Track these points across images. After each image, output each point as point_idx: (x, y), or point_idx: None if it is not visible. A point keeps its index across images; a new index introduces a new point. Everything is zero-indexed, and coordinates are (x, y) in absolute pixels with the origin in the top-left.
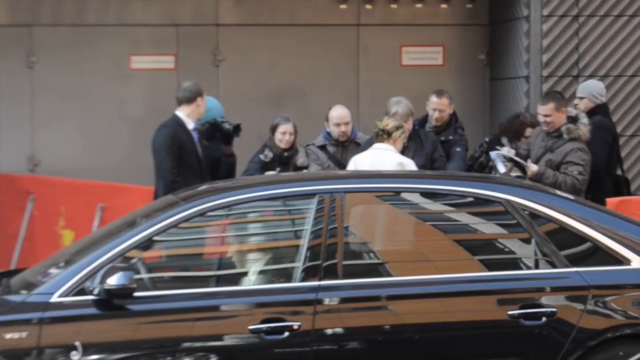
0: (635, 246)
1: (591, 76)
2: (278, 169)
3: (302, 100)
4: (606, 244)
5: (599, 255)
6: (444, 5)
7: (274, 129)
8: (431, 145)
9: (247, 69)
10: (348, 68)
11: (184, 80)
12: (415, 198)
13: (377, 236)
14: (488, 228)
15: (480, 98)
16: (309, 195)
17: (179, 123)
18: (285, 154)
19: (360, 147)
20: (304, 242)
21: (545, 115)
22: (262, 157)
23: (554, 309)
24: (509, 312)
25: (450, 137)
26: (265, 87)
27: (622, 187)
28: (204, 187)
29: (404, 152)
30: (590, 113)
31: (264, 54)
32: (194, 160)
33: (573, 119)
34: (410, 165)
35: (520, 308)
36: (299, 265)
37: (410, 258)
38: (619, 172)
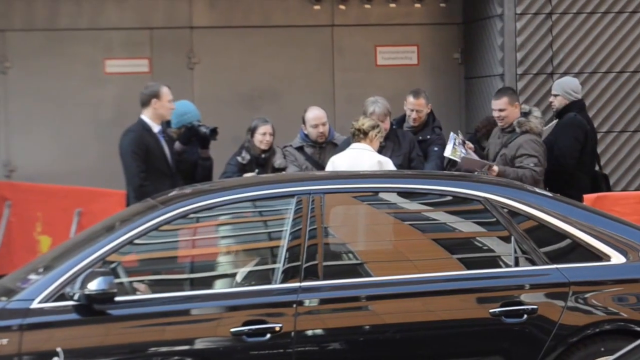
0: (614, 242)
1: (565, 73)
2: (257, 170)
3: (277, 101)
4: (585, 240)
5: (579, 252)
6: (417, 5)
7: (252, 130)
8: (408, 145)
9: (222, 71)
10: (323, 69)
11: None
12: (394, 198)
13: (357, 236)
14: (467, 226)
15: (455, 97)
16: (288, 196)
17: (144, 127)
18: (263, 155)
19: (337, 147)
20: (284, 244)
21: (500, 110)
22: (239, 159)
23: (535, 306)
24: (490, 310)
25: (428, 137)
26: (240, 89)
27: (600, 184)
28: (184, 190)
29: (381, 151)
30: (565, 110)
31: (239, 56)
32: (162, 164)
33: (526, 114)
34: (388, 163)
35: (502, 306)
36: (279, 266)
37: (391, 258)
38: (597, 168)
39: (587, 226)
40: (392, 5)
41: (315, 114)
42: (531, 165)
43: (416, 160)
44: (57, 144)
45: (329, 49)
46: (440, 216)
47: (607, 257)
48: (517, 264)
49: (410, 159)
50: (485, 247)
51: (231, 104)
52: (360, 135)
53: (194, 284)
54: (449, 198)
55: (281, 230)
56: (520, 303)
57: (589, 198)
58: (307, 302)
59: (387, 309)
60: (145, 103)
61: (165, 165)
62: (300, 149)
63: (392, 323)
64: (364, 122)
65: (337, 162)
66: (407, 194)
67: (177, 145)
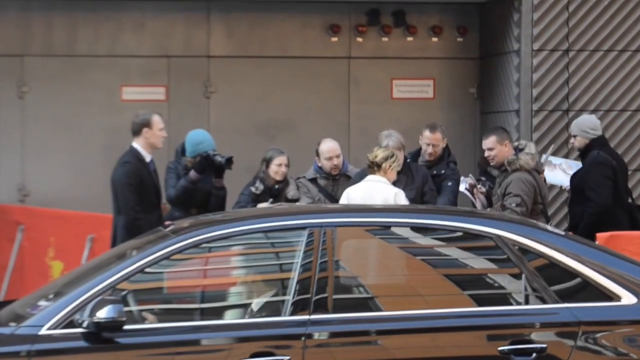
0: (626, 282)
1: (581, 110)
2: (270, 200)
3: (292, 132)
4: (596, 279)
5: (589, 291)
6: (434, 39)
7: (267, 161)
8: (422, 179)
9: (238, 100)
10: (339, 100)
11: (175, 111)
12: (406, 232)
13: (368, 270)
14: (478, 263)
15: (470, 131)
16: (300, 228)
17: (138, 157)
18: (277, 186)
19: (351, 179)
20: (294, 276)
21: (489, 149)
22: (253, 189)
23: (544, 345)
24: (499, 348)
25: (443, 171)
26: (255, 118)
27: (636, 217)
28: (194, 219)
29: (394, 185)
30: (587, 149)
31: (255, 85)
32: (153, 195)
33: (520, 150)
34: (401, 197)
35: (511, 344)
36: (289, 298)
37: (401, 293)
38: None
39: (599, 265)
40: (409, 38)
41: (329, 147)
42: (512, 205)
43: (429, 195)
44: (71, 169)
45: (345, 80)
46: (452, 252)
47: (618, 298)
48: (527, 302)
49: (423, 192)
50: (495, 284)
51: (246, 133)
52: (374, 167)
53: (204, 314)
54: (461, 234)
55: (292, 262)
56: (530, 341)
57: (602, 237)
58: (316, 335)
59: (397, 344)
60: (136, 132)
61: (155, 197)
62: (313, 180)
63: (401, 358)
64: (377, 154)
65: (352, 194)
66: (418, 229)
67: (192, 174)
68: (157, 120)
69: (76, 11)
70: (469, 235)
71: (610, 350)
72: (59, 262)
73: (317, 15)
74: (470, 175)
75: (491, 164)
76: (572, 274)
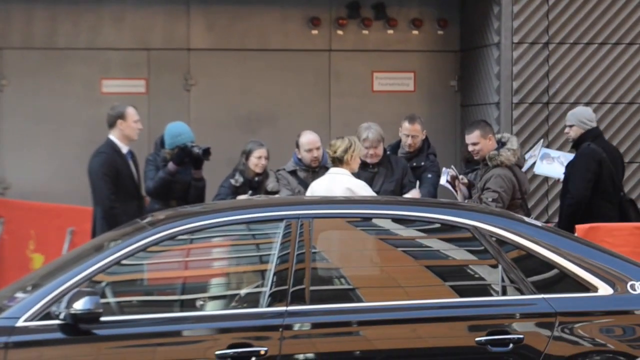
0: (602, 273)
1: (561, 103)
2: (250, 192)
3: (273, 125)
4: (573, 270)
5: (566, 282)
6: (415, 32)
7: (247, 154)
8: (401, 171)
9: (219, 93)
10: (319, 93)
11: (155, 104)
12: (383, 224)
13: (345, 262)
14: (456, 254)
15: (451, 124)
16: (277, 220)
17: (114, 148)
18: (257, 178)
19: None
20: (271, 267)
21: (473, 144)
22: (232, 181)
23: (521, 336)
24: (477, 339)
25: (422, 163)
26: (236, 111)
27: (627, 210)
28: (171, 211)
29: (374, 177)
30: (580, 139)
31: (236, 78)
32: (130, 185)
33: (503, 144)
34: (358, 189)
35: (488, 334)
36: (266, 290)
37: (378, 284)
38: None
39: (575, 257)
40: (390, 31)
41: (309, 139)
42: (489, 200)
43: (408, 187)
44: (51, 162)
45: (325, 73)
46: (429, 243)
47: (595, 288)
48: (504, 293)
49: (402, 185)
50: (473, 275)
51: (227, 126)
52: (335, 161)
53: (180, 305)
54: (438, 225)
55: (269, 254)
56: (507, 332)
57: (581, 228)
58: (293, 327)
59: (374, 335)
60: (111, 124)
61: (133, 187)
62: (293, 172)
63: (378, 349)
64: (336, 150)
65: (315, 187)
66: (395, 220)
67: (170, 165)
68: (131, 112)
69: (56, 4)
70: (446, 226)
71: (588, 340)
72: (40, 255)
73: (297, 8)
74: (452, 167)
75: (475, 158)
76: (549, 265)
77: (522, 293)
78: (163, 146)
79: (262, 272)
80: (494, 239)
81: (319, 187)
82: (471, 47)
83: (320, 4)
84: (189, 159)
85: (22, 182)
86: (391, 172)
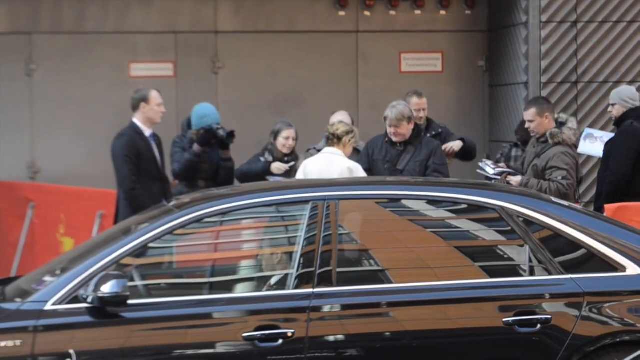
0: (631, 252)
1: (590, 82)
2: (290, 164)
3: (301, 107)
4: (601, 250)
5: (594, 262)
6: (442, 12)
7: (276, 133)
8: (428, 152)
9: (246, 75)
10: (347, 75)
11: (183, 87)
12: (409, 205)
13: (371, 243)
14: (483, 235)
15: (479, 104)
16: (303, 202)
17: (136, 131)
18: (286, 158)
19: (360, 154)
20: (298, 249)
21: (529, 121)
22: (262, 159)
23: (549, 316)
24: (504, 320)
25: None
26: (264, 94)
27: None
28: (198, 194)
29: (401, 155)
30: (623, 118)
31: (263, 60)
32: (153, 167)
33: (562, 124)
34: (358, 169)
35: (515, 315)
36: (292, 272)
37: (405, 265)
38: None
39: (603, 236)
40: (417, 12)
41: (340, 119)
42: (559, 179)
43: (431, 169)
44: (81, 146)
45: (353, 55)
46: (456, 224)
47: (623, 268)
48: (532, 273)
49: (427, 166)
50: (500, 256)
51: (255, 108)
52: (334, 140)
53: (207, 288)
54: (465, 206)
55: (295, 236)
56: (534, 312)
57: (610, 208)
58: (320, 309)
59: (401, 316)
60: (135, 107)
61: (155, 169)
62: None
63: (405, 330)
64: (339, 127)
65: (309, 167)
66: (422, 201)
67: (196, 147)
68: (155, 95)
69: None
70: (473, 207)
71: (616, 320)
72: (70, 239)
73: None
74: (485, 161)
75: (531, 135)
76: (577, 245)
77: (549, 273)
78: (190, 127)
79: (289, 254)
80: (521, 219)
81: (313, 167)
82: (499, 26)
83: None
84: (215, 141)
85: (51, 166)
86: (419, 152)
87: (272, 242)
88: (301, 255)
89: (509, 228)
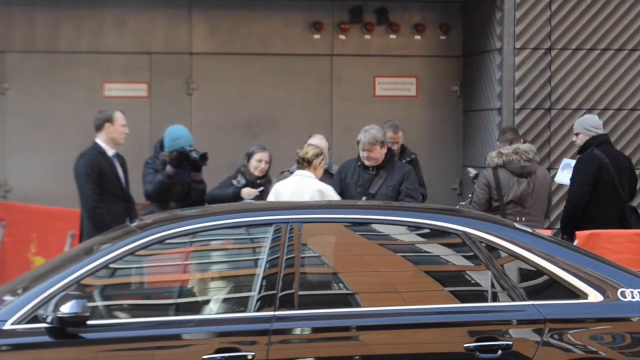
0: (593, 280)
1: (563, 109)
2: (260, 188)
3: (275, 129)
4: (563, 277)
5: (556, 289)
6: (417, 37)
7: (249, 156)
8: (400, 177)
9: (221, 97)
10: (321, 98)
11: (157, 108)
12: (372, 229)
13: (334, 267)
14: (445, 260)
15: (453, 129)
16: (266, 224)
17: (99, 150)
18: (258, 181)
19: (332, 177)
20: (260, 272)
21: None
22: (234, 182)
23: (510, 342)
24: (465, 345)
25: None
26: (238, 116)
27: (628, 217)
28: (161, 215)
29: (373, 179)
30: (585, 146)
31: (237, 82)
32: (116, 187)
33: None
34: (330, 192)
35: (476, 341)
36: (254, 294)
37: (366, 289)
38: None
39: (565, 263)
40: (392, 36)
41: (317, 142)
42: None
43: (403, 194)
44: (53, 166)
45: (327, 78)
46: (418, 249)
47: (585, 295)
48: (494, 299)
49: (399, 191)
50: (463, 281)
51: (229, 130)
52: (304, 163)
53: (168, 309)
54: (428, 231)
55: (258, 259)
56: (495, 338)
57: (581, 235)
58: (281, 332)
59: (363, 341)
60: (99, 127)
61: (119, 189)
62: None
63: (365, 355)
64: (308, 151)
65: (281, 189)
66: (384, 225)
67: (169, 168)
68: (119, 116)
69: (57, 8)
70: (436, 232)
71: (578, 347)
72: (41, 258)
73: (299, 13)
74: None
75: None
76: (539, 271)
77: (512, 299)
78: (162, 149)
79: (251, 277)
80: (483, 244)
81: (284, 189)
82: (473, 52)
83: (322, 9)
84: (187, 162)
85: (23, 185)
86: (392, 176)
87: (234, 264)
88: (263, 278)
89: (472, 253)
